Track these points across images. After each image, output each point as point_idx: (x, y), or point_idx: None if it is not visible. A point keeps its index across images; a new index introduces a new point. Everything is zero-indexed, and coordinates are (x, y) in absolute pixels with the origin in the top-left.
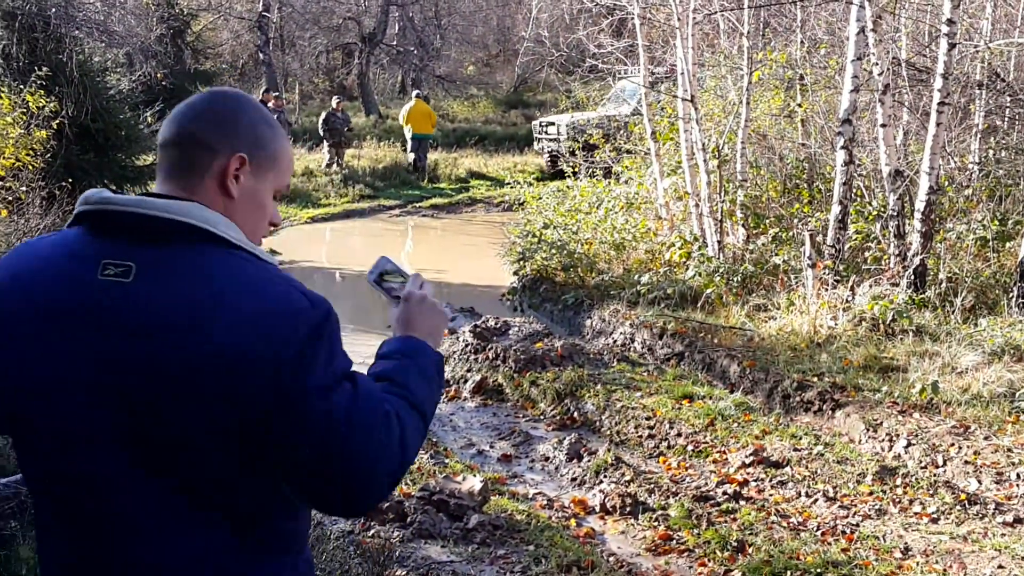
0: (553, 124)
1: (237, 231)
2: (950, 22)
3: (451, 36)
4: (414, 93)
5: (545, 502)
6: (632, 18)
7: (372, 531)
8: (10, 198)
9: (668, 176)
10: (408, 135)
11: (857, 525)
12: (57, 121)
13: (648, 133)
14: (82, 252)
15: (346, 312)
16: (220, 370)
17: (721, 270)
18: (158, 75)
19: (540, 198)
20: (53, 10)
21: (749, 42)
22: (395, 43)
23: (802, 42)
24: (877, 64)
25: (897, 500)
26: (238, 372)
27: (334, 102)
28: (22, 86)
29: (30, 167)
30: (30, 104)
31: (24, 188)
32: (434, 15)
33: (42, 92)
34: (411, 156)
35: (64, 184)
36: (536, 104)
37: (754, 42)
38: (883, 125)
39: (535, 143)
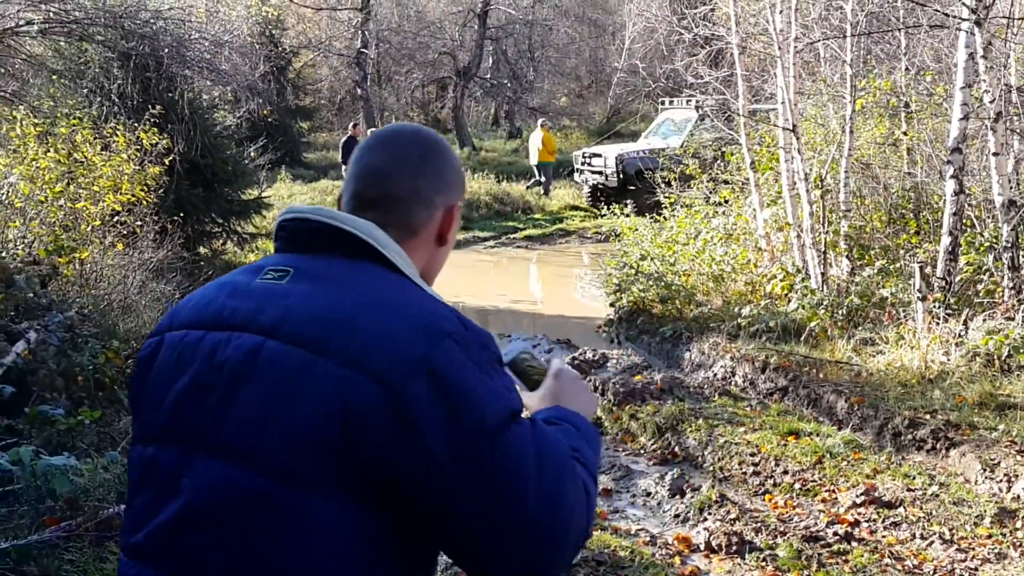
0: (599, 156)
1: (410, 266)
2: None
3: (544, 68)
4: (540, 123)
5: (648, 539)
6: (730, 47)
7: None
8: (125, 232)
9: (768, 206)
10: (534, 162)
11: (976, 569)
12: (169, 158)
13: (747, 163)
14: (258, 264)
15: None
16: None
17: (825, 303)
18: (263, 111)
19: (636, 229)
20: (165, 51)
21: (852, 69)
22: (489, 76)
23: (907, 69)
24: (988, 91)
25: (1018, 543)
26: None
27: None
28: (135, 124)
29: (144, 202)
30: (143, 141)
31: (139, 223)
32: (528, 48)
33: (155, 129)
34: (540, 181)
35: (176, 218)
36: (629, 134)
37: (857, 69)
38: (995, 154)
39: (576, 174)
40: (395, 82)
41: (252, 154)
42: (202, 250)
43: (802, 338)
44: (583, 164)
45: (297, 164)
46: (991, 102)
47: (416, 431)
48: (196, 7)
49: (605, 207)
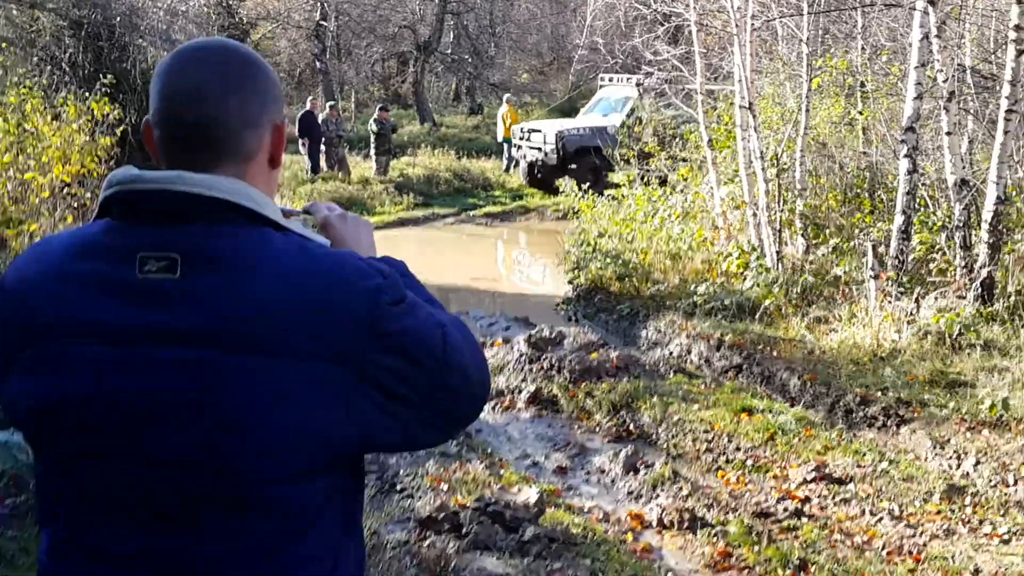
0: (538, 131)
1: (276, 209)
2: (1018, 28)
3: (505, 44)
4: (505, 99)
5: (601, 515)
6: (688, 25)
7: (428, 541)
8: (76, 204)
9: (725, 185)
10: (501, 138)
11: (924, 545)
12: (120, 128)
13: (704, 141)
14: (113, 246)
15: None
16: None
17: (780, 281)
18: None
19: (594, 207)
20: (118, 19)
21: (809, 48)
22: (450, 51)
23: (863, 48)
24: (942, 71)
25: (966, 520)
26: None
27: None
28: (87, 93)
29: (95, 174)
30: (95, 111)
31: (89, 195)
32: (489, 23)
33: (106, 99)
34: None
35: None
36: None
37: (814, 48)
38: (948, 133)
39: (514, 150)
40: (355, 56)
41: None
42: None
43: (757, 316)
44: (521, 139)
45: None
46: (944, 82)
47: (382, 387)
48: None
49: (541, 185)
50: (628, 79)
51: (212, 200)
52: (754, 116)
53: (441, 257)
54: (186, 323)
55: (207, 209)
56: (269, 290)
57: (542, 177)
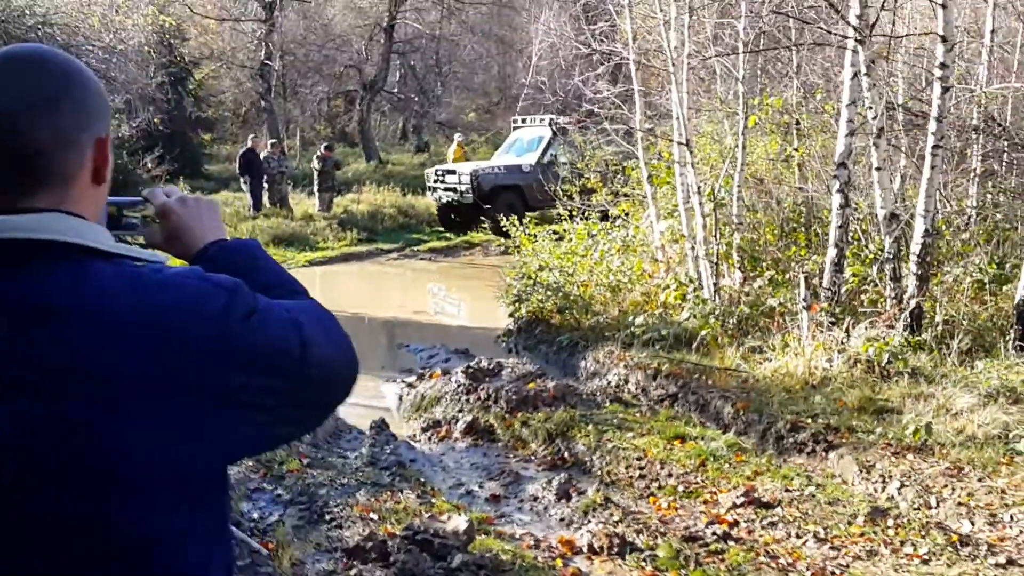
0: (453, 173)
1: (106, 235)
2: (943, 66)
3: (452, 83)
4: (456, 137)
5: (532, 542)
6: (628, 63)
7: (354, 571)
8: None
9: (664, 219)
10: None
11: (847, 566)
12: None
13: (644, 176)
14: None
15: None
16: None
17: (716, 312)
18: (155, 121)
19: (536, 240)
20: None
21: (744, 87)
22: (396, 90)
23: (798, 87)
24: (871, 108)
25: (888, 541)
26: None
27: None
28: None
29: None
30: None
31: None
32: (435, 63)
33: None
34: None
35: None
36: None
37: (750, 87)
38: (878, 168)
39: (428, 192)
40: (301, 95)
41: (149, 164)
42: None
43: (694, 346)
44: (436, 181)
45: (198, 175)
46: (874, 119)
47: (245, 405)
48: (90, 15)
49: (456, 226)
50: (541, 120)
51: (25, 242)
52: (691, 152)
53: (384, 291)
54: (21, 376)
55: (22, 252)
56: (106, 336)
57: (457, 218)
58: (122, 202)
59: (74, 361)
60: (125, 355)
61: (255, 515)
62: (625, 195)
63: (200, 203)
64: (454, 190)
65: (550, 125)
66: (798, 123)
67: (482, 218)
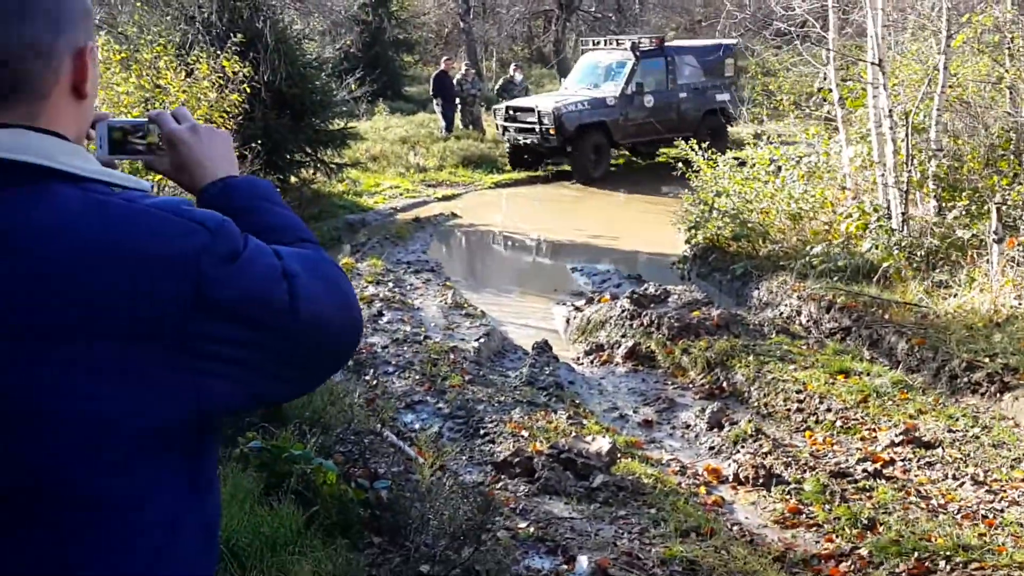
0: (529, 110)
1: (82, 156)
2: None
3: (650, 1)
4: None
5: (678, 468)
6: None
7: (500, 483)
8: None
9: (854, 145)
10: None
11: (1001, 511)
12: (246, 85)
13: (836, 99)
14: None
15: (513, 277)
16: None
17: (902, 243)
18: (356, 43)
19: (716, 166)
20: None
21: (949, 2)
22: (593, 9)
23: (1013, 2)
24: None
25: None
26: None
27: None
28: (218, 52)
29: (223, 128)
30: (226, 69)
31: None
32: None
33: (237, 58)
34: None
35: (254, 145)
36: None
37: (956, 2)
38: None
39: (499, 131)
40: (498, 15)
41: (352, 86)
42: (292, 179)
43: (874, 279)
44: (508, 120)
45: (398, 97)
46: None
47: (216, 357)
48: None
49: (528, 166)
50: (619, 42)
51: None
52: (883, 73)
53: (562, 215)
54: None
55: None
56: (62, 268)
57: (529, 158)
58: (127, 124)
59: (13, 292)
60: (73, 291)
61: (416, 425)
62: (818, 118)
63: (213, 133)
64: (531, 131)
65: (632, 49)
66: (1011, 42)
67: (563, 160)
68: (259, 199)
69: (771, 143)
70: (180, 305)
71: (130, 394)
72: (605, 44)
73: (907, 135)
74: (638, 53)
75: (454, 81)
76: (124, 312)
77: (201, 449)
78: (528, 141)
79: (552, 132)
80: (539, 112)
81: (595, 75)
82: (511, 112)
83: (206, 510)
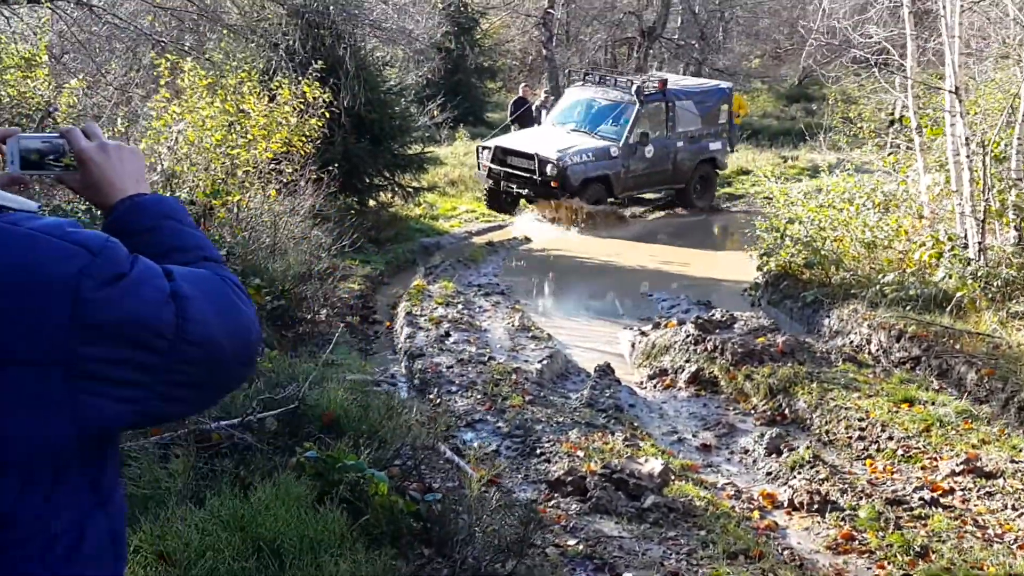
0: (525, 155)
1: None
2: None
3: (734, 29)
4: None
5: (733, 492)
6: (901, 7)
7: (553, 501)
8: (282, 180)
9: (931, 173)
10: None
11: None
12: (326, 110)
13: (913, 126)
14: None
15: (582, 301)
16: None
17: (979, 273)
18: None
19: (788, 194)
20: (335, 10)
21: None
22: (676, 36)
23: None
24: None
25: None
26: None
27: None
28: (300, 78)
29: (300, 151)
30: (307, 94)
31: (292, 171)
32: (717, 7)
33: (318, 84)
34: None
35: (330, 168)
36: (820, 98)
37: None
38: None
39: (478, 169)
40: (581, 42)
41: (434, 111)
42: (371, 202)
43: (947, 309)
44: (493, 162)
45: (479, 123)
46: None
47: (105, 379)
48: None
49: (503, 209)
50: (618, 82)
51: None
52: (960, 101)
53: (635, 241)
54: None
55: None
56: None
57: (509, 200)
58: (39, 140)
59: None
60: None
61: (475, 443)
62: (896, 146)
63: (122, 151)
64: (525, 179)
65: (636, 94)
66: None
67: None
68: (164, 218)
69: (846, 171)
70: (63, 328)
71: (29, 415)
72: (600, 81)
73: (984, 163)
74: (643, 98)
75: (533, 107)
76: (17, 342)
77: (101, 461)
78: (522, 191)
79: (555, 185)
80: (539, 160)
81: (588, 116)
82: (499, 155)
83: (110, 516)
